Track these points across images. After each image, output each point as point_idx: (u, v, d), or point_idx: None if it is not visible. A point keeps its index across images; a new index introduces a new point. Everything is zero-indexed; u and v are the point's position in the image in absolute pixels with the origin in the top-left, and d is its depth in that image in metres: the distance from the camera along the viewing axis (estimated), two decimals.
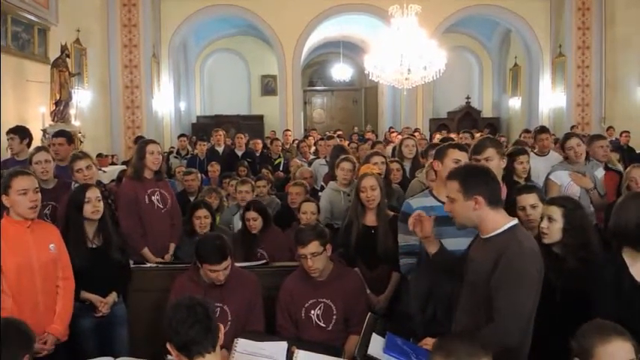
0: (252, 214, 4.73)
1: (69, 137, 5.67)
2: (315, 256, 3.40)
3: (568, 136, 5.16)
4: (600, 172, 4.94)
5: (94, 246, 3.80)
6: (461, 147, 3.57)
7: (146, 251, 4.61)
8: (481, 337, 2.30)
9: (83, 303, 3.74)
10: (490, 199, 2.56)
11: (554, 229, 3.07)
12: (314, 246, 3.39)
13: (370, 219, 4.08)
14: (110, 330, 3.85)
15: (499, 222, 2.57)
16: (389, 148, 9.31)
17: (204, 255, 3.39)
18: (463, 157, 3.46)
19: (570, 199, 3.39)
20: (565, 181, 4.76)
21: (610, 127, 12.58)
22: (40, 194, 3.40)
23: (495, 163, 3.74)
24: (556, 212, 3.08)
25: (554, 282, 2.85)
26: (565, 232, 3.05)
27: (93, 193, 3.78)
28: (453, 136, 9.01)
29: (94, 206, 3.76)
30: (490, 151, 3.67)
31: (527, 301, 2.45)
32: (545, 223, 3.10)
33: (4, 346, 2.29)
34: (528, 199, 3.55)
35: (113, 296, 3.83)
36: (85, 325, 3.74)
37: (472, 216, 2.58)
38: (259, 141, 10.50)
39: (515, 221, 2.61)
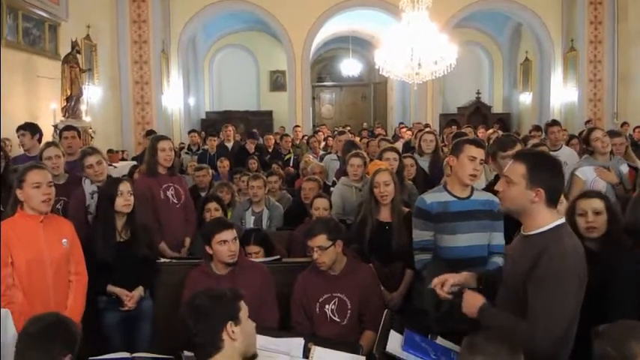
0: (253, 248, 4.20)
1: (78, 131, 5.76)
2: (322, 250, 3.40)
3: (592, 129, 5.14)
4: (625, 167, 4.90)
5: (121, 240, 3.83)
6: (478, 143, 3.51)
7: (163, 246, 4.63)
8: (513, 335, 2.22)
9: (110, 297, 3.77)
10: (550, 196, 2.37)
11: (601, 222, 3.04)
12: (320, 239, 3.40)
13: (384, 215, 4.05)
14: (135, 325, 3.87)
15: (546, 220, 2.38)
16: (399, 144, 9.28)
17: (209, 228, 3.48)
18: (479, 155, 3.42)
19: (600, 192, 3.36)
20: (590, 177, 4.72)
21: (625, 123, 12.43)
22: (53, 188, 3.41)
23: None
24: (600, 205, 3.06)
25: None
26: (609, 224, 3.03)
27: (125, 187, 3.84)
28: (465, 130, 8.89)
29: (125, 200, 3.81)
30: (520, 147, 3.64)
31: (564, 306, 2.26)
32: (591, 217, 3.04)
33: (48, 343, 2.27)
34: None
35: (140, 291, 3.84)
36: (111, 319, 3.79)
37: (526, 206, 2.38)
38: (271, 136, 10.48)
39: (562, 220, 2.43)
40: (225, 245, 3.40)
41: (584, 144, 5.09)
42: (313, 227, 3.50)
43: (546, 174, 2.37)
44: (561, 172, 2.46)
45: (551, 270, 2.25)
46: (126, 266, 3.77)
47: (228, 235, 3.41)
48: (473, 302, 2.48)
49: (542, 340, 2.23)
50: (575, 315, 2.30)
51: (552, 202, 2.39)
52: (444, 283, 2.68)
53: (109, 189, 3.87)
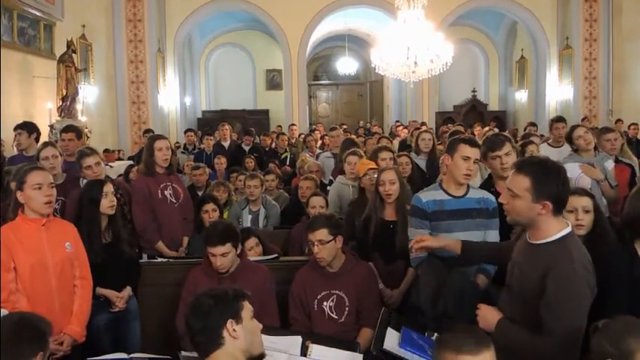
0: (252, 240, 4.22)
1: (78, 132, 5.64)
2: (323, 244, 3.40)
3: (573, 127, 5.17)
4: (610, 164, 4.92)
5: (105, 241, 3.81)
6: (472, 143, 3.48)
7: (160, 245, 4.63)
8: (530, 349, 2.24)
9: (98, 299, 3.73)
10: (557, 207, 2.34)
11: (589, 221, 3.05)
12: (322, 233, 3.41)
13: (389, 213, 4.03)
14: (124, 325, 3.85)
15: (553, 229, 2.36)
16: (395, 142, 9.29)
17: (207, 235, 3.47)
18: (474, 155, 3.41)
19: (588, 191, 3.37)
20: (575, 174, 4.72)
21: (619, 120, 12.47)
22: (54, 190, 3.36)
23: (513, 157, 3.71)
24: (589, 203, 3.07)
25: None
26: (595, 222, 3.05)
27: (109, 188, 3.82)
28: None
29: (110, 201, 3.79)
30: (509, 146, 3.65)
31: (579, 320, 2.29)
32: (581, 215, 3.04)
33: (16, 346, 2.15)
34: None
35: (128, 291, 3.84)
36: (99, 322, 3.73)
37: (533, 218, 2.36)
38: (268, 135, 10.49)
39: (568, 229, 2.39)
40: (213, 258, 3.40)
41: (568, 142, 5.13)
42: (315, 221, 3.51)
43: (552, 185, 2.33)
44: (566, 179, 2.41)
45: (560, 292, 2.25)
46: (113, 267, 3.75)
47: (217, 250, 3.38)
48: (490, 317, 2.50)
49: (559, 352, 2.25)
50: (585, 322, 2.32)
51: (559, 210, 2.36)
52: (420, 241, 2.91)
53: (92, 191, 3.80)
